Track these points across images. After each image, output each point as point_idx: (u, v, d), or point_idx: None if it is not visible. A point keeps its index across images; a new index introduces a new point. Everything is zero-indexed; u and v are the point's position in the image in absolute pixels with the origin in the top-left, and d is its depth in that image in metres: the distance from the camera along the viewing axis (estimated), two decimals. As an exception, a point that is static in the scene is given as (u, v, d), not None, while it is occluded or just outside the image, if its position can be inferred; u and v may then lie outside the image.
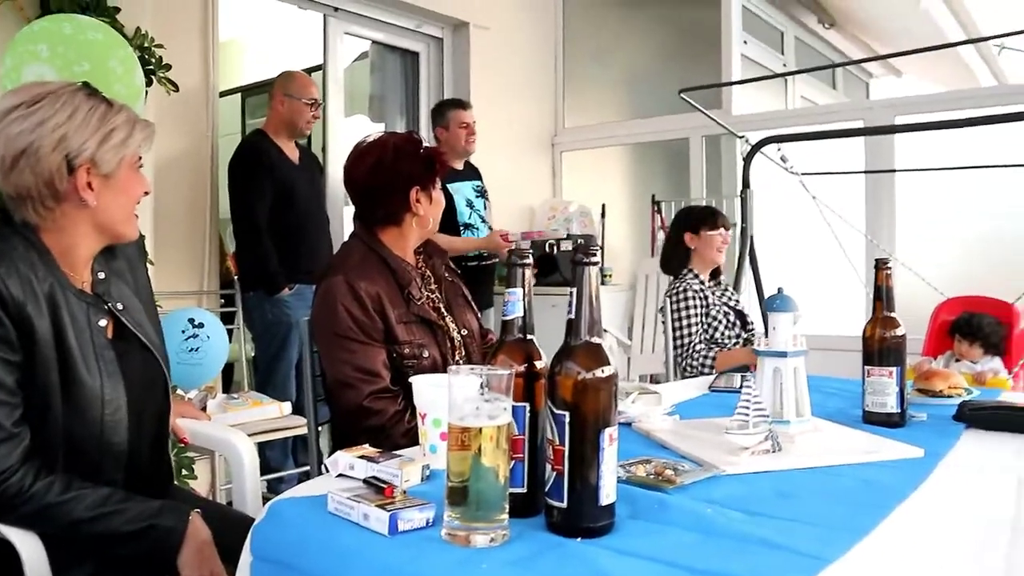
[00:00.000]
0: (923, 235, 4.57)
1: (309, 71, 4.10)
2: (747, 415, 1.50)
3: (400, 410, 1.86)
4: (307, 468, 2.28)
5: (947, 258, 4.48)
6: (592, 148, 5.73)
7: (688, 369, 2.99)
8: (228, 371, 4.08)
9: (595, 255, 1.04)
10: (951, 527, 1.15)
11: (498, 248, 3.90)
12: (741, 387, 1.72)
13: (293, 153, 3.67)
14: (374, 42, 4.85)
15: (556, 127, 5.72)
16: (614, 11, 5.98)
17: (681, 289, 3.10)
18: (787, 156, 4.01)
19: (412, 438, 1.54)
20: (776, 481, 1.32)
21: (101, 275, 1.53)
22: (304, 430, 2.44)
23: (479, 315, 2.19)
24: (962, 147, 4.28)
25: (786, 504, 1.21)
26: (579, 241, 4.66)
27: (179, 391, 2.80)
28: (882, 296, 1.83)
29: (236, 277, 3.67)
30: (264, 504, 1.20)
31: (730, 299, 3.25)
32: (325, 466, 1.34)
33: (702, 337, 3.05)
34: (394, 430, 1.84)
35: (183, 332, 2.88)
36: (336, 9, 4.38)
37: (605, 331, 4.76)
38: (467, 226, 4.00)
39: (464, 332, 2.06)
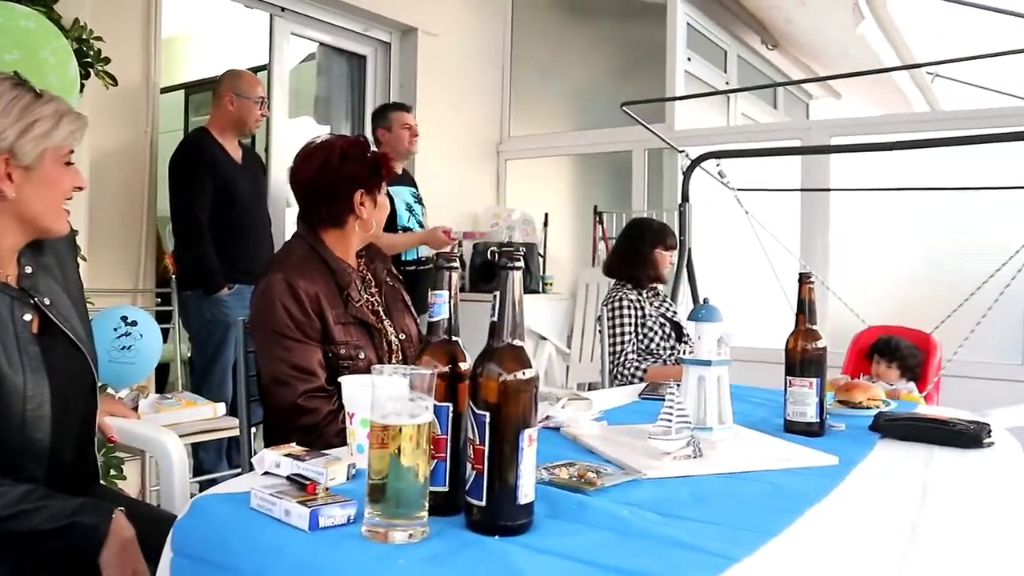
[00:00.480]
0: (853, 264, 4.71)
1: (254, 70, 4.07)
2: (670, 421, 1.54)
3: (334, 409, 1.86)
4: (240, 470, 2.27)
5: (873, 287, 4.62)
6: (537, 157, 5.79)
7: (619, 377, 3.05)
8: (165, 371, 4.01)
9: (519, 260, 1.07)
10: (855, 530, 1.20)
11: (439, 242, 3.88)
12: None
13: (236, 152, 3.63)
14: (321, 44, 4.84)
15: (501, 135, 5.76)
16: (562, 23, 6.06)
17: (617, 299, 3.17)
18: (725, 172, 4.11)
19: (345, 438, 1.54)
20: (693, 485, 1.36)
21: (28, 269, 1.51)
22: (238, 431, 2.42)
23: (418, 320, 2.21)
24: (895, 172, 4.44)
25: (700, 507, 1.25)
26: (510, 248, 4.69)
27: (110, 390, 2.75)
28: (804, 309, 1.89)
29: (174, 276, 3.62)
30: (192, 503, 1.20)
31: (667, 310, 3.32)
32: (251, 463, 1.34)
33: (635, 347, 3.11)
34: (327, 429, 1.85)
35: (115, 330, 2.84)
36: (283, 9, 4.36)
37: (544, 339, 4.84)
38: (405, 229, 4.01)
39: (402, 336, 2.08)
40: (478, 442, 1.05)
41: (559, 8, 6.09)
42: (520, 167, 5.82)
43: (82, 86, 2.70)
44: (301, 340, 1.88)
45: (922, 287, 4.56)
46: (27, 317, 1.47)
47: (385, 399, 1.03)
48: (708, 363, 1.71)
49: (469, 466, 1.07)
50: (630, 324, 3.11)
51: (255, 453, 1.50)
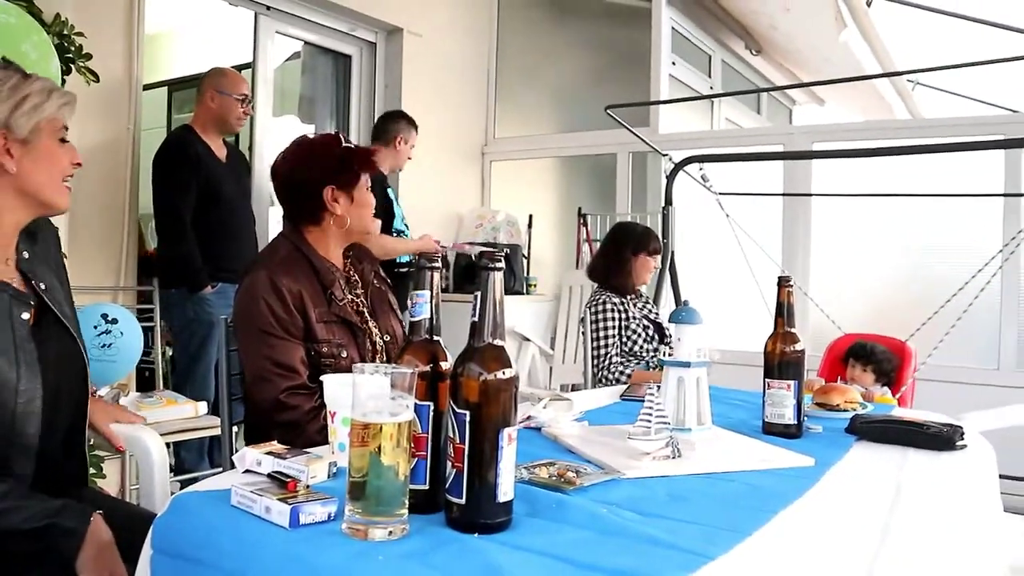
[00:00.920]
0: (832, 268, 4.75)
1: (239, 68, 4.06)
2: (649, 422, 1.56)
3: (316, 407, 1.87)
4: (221, 469, 2.27)
5: (851, 293, 4.67)
6: (522, 159, 5.81)
7: (604, 381, 3.07)
8: (149, 370, 3.99)
9: (499, 261, 1.08)
10: (829, 529, 1.23)
11: (433, 250, 3.93)
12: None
13: (220, 150, 3.62)
14: (306, 43, 4.83)
15: (487, 137, 5.77)
16: (547, 26, 6.08)
17: (600, 302, 3.18)
18: (708, 176, 4.14)
19: (327, 435, 1.55)
20: (671, 485, 1.38)
21: (26, 254, 1.54)
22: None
23: (403, 322, 2.22)
24: (875, 178, 4.49)
25: (677, 506, 1.26)
26: (502, 249, 4.73)
27: (101, 392, 2.74)
28: (783, 312, 1.91)
29: (153, 264, 3.60)
30: (172, 501, 1.20)
31: (650, 312, 3.34)
32: (232, 461, 1.35)
33: (619, 350, 3.13)
34: (309, 426, 1.86)
35: (95, 328, 2.83)
36: (268, 8, 4.35)
37: (528, 340, 4.85)
38: (399, 232, 4.05)
39: (387, 337, 2.09)
40: (458, 440, 1.07)
41: (545, 10, 6.11)
42: (505, 169, 5.83)
43: (63, 82, 2.69)
44: (283, 337, 1.89)
45: (899, 293, 4.62)
46: (25, 316, 1.49)
47: (366, 397, 1.04)
48: (687, 365, 1.73)
49: (449, 464, 1.08)
50: (614, 327, 3.13)
51: (237, 452, 1.50)
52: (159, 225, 3.53)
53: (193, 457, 3.55)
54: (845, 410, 2.12)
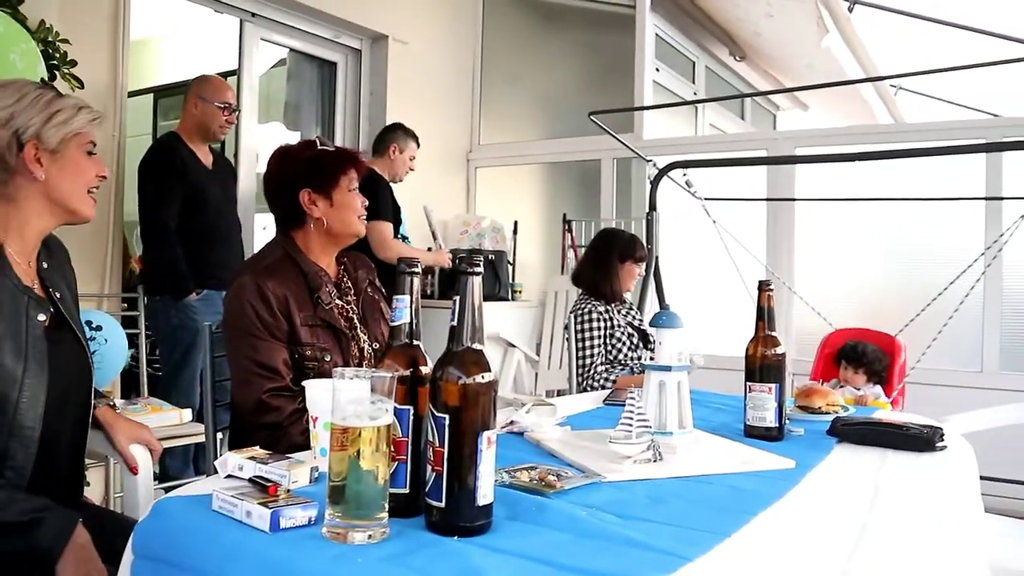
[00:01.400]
0: (818, 271, 4.79)
1: (225, 75, 4.06)
2: (630, 426, 1.57)
3: (298, 409, 1.87)
4: (207, 476, 2.26)
5: (838, 294, 4.70)
6: (506, 165, 5.82)
7: (588, 389, 3.07)
8: (134, 377, 3.97)
9: (478, 265, 1.09)
10: (806, 530, 1.24)
11: (443, 262, 4.50)
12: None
13: (207, 157, 3.62)
14: (292, 50, 4.83)
15: (471, 143, 5.78)
16: (532, 33, 6.11)
17: (586, 311, 3.18)
18: (692, 181, 4.16)
19: (309, 438, 1.56)
20: (651, 488, 1.39)
21: (45, 264, 1.63)
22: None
23: None
24: (859, 182, 4.53)
25: (657, 508, 1.27)
26: (470, 254, 4.75)
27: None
28: (764, 316, 1.93)
29: (138, 275, 3.59)
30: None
31: (634, 318, 3.35)
32: (214, 466, 1.35)
33: (604, 358, 3.14)
34: (292, 428, 1.87)
35: (80, 334, 2.81)
36: (253, 15, 4.35)
37: (513, 346, 4.86)
38: (404, 239, 4.18)
39: (376, 345, 2.09)
40: (438, 444, 1.07)
41: (529, 17, 6.14)
42: (490, 175, 5.84)
43: (48, 89, 2.69)
44: (267, 339, 1.90)
45: (885, 294, 4.66)
46: (41, 317, 1.55)
47: (346, 402, 1.05)
48: (668, 368, 1.74)
49: (429, 468, 1.09)
50: (599, 336, 3.14)
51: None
52: (144, 232, 3.51)
53: (178, 465, 3.53)
54: (827, 413, 2.14)
